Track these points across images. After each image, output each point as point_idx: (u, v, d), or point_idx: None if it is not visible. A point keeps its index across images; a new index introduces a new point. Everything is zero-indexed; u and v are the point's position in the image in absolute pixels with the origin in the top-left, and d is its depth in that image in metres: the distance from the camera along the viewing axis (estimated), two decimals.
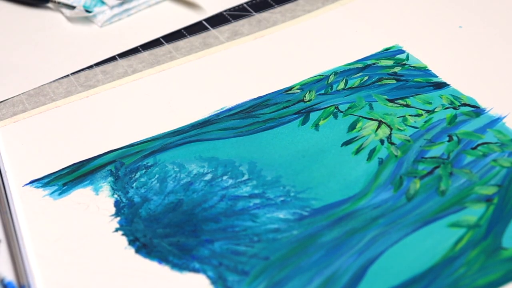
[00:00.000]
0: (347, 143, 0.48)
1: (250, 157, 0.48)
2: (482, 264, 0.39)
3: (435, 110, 0.50)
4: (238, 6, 0.63)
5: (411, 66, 0.54)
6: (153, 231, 0.43)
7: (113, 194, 0.46)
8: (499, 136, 0.47)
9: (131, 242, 0.43)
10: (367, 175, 0.45)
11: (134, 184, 0.46)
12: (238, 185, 0.46)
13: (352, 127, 0.49)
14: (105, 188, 0.46)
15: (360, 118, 0.50)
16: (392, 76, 0.53)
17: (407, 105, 0.50)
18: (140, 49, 0.59)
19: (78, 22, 0.62)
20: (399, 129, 0.48)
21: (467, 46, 0.56)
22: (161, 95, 0.53)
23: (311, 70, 0.55)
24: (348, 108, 0.51)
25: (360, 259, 0.40)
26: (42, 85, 0.55)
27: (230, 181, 0.46)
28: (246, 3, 0.63)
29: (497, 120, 0.48)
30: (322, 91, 0.53)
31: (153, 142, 0.49)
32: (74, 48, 0.60)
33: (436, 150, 0.46)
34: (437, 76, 0.53)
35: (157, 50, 0.59)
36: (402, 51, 0.56)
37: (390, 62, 0.54)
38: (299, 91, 0.53)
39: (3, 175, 0.47)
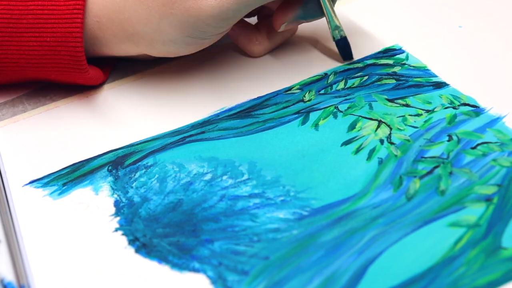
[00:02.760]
0: (346, 143, 0.48)
1: (250, 157, 0.48)
2: (482, 263, 0.39)
3: (435, 109, 0.50)
4: None
5: (410, 66, 0.54)
6: (153, 231, 0.43)
7: (112, 194, 0.46)
8: (498, 136, 0.47)
9: (131, 242, 0.43)
10: (367, 175, 0.45)
11: (134, 184, 0.46)
12: (237, 185, 0.45)
13: (351, 127, 0.49)
14: (105, 188, 0.46)
15: (360, 118, 0.50)
16: (392, 76, 0.53)
17: (407, 105, 0.50)
18: None
19: None
20: (398, 128, 0.48)
21: (467, 46, 0.56)
22: (161, 95, 0.53)
23: (311, 70, 0.55)
24: (348, 108, 0.51)
25: (360, 259, 0.40)
26: (42, 85, 0.55)
27: (230, 181, 0.46)
28: None
29: (496, 120, 0.48)
30: (322, 91, 0.53)
31: (153, 142, 0.49)
32: None
33: (436, 150, 0.46)
34: (436, 76, 0.53)
35: None
36: (402, 51, 0.56)
37: (389, 62, 0.54)
38: (298, 91, 0.53)
39: (3, 175, 0.47)
